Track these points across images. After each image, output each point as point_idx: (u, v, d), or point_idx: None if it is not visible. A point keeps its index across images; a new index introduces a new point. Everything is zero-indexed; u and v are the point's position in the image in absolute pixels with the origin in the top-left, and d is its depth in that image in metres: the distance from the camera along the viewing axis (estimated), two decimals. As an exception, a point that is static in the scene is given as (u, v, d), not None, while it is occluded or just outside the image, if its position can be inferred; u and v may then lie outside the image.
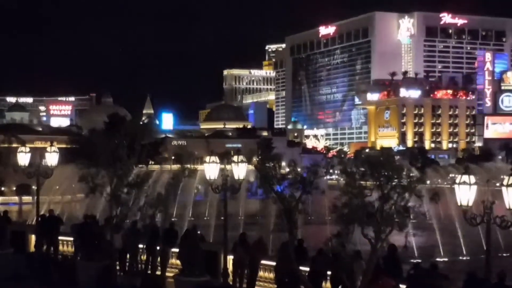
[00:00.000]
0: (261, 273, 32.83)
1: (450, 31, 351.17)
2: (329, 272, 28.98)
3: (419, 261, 31.60)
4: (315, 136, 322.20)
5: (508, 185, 23.67)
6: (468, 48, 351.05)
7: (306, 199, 27.24)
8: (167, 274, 35.10)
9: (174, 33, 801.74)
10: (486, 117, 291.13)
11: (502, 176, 25.14)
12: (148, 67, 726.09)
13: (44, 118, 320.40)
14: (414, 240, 65.91)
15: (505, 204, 23.91)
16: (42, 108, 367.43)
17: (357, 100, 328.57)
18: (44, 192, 61.82)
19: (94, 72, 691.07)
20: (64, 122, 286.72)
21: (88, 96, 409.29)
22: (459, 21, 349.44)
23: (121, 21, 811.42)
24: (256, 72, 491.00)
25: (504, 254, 61.51)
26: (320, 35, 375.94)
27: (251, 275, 32.72)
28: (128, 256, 36.69)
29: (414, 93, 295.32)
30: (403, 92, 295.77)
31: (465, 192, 24.18)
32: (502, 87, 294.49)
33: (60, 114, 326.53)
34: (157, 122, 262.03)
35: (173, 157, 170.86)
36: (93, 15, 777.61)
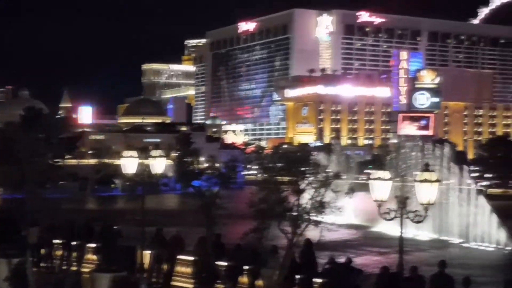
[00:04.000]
0: (178, 268, 32.79)
1: (367, 29, 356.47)
2: (246, 267, 29.14)
3: (335, 256, 32.01)
4: (234, 132, 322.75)
5: (421, 181, 24.30)
6: (385, 46, 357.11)
7: (224, 194, 27.31)
8: (83, 269, 34.71)
9: (93, 27, 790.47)
10: (400, 114, 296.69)
11: (414, 173, 25.80)
12: (66, 61, 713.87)
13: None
14: (330, 235, 66.74)
15: (418, 199, 24.56)
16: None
17: (275, 96, 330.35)
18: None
19: (10, 65, 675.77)
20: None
21: (4, 88, 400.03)
22: (376, 20, 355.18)
23: (40, 14, 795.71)
24: (175, 67, 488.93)
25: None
26: (240, 31, 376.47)
27: (169, 270, 32.65)
28: (42, 251, 36.15)
29: (331, 90, 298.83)
30: (321, 89, 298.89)
31: (380, 187, 24.69)
32: (417, 85, 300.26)
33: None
34: (75, 116, 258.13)
35: (91, 152, 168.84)
36: (10, 9, 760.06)
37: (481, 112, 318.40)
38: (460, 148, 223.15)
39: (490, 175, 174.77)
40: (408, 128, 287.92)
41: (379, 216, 25.32)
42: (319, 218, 24.99)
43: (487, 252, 70.91)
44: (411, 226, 26.56)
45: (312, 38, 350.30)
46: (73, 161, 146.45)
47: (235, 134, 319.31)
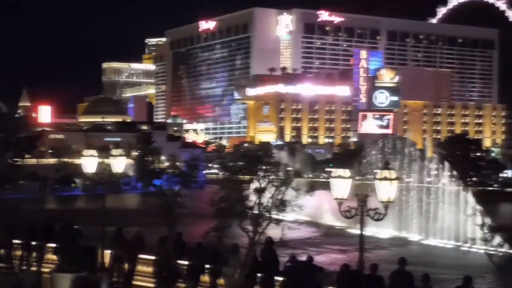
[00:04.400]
0: (139, 267, 32.69)
1: (327, 28, 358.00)
2: (207, 266, 29.15)
3: (296, 254, 32.16)
4: (195, 131, 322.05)
5: (380, 179, 24.48)
6: (345, 45, 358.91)
7: (186, 193, 27.30)
8: (43, 270, 34.42)
9: (53, 25, 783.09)
10: (361, 113, 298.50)
11: (375, 170, 26.01)
12: (26, 60, 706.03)
13: None
14: (291, 233, 66.99)
15: (378, 197, 24.74)
16: None
17: (236, 95, 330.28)
18: None
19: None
20: None
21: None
22: (336, 19, 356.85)
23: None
24: (135, 66, 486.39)
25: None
26: (200, 30, 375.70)
27: (130, 270, 32.53)
28: (2, 252, 35.77)
29: (292, 89, 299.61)
30: (282, 88, 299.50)
31: (340, 185, 24.83)
32: (376, 84, 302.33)
33: None
34: (34, 115, 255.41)
35: (50, 151, 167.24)
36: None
37: (439, 110, 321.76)
38: (419, 146, 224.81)
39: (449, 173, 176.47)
40: (368, 127, 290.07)
41: (340, 214, 25.48)
42: (280, 216, 25.11)
43: (447, 249, 71.68)
44: (372, 223, 26.75)
45: (272, 37, 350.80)
46: (33, 161, 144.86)
47: (196, 133, 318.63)
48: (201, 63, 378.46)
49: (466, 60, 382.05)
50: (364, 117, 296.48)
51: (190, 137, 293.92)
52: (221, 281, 28.55)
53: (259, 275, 27.60)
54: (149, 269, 32.14)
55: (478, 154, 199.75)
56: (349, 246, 62.40)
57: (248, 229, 24.94)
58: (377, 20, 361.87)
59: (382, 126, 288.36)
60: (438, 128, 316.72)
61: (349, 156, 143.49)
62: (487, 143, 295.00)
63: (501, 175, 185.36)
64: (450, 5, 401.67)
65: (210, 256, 28.44)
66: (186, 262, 29.62)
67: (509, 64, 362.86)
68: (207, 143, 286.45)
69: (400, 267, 24.88)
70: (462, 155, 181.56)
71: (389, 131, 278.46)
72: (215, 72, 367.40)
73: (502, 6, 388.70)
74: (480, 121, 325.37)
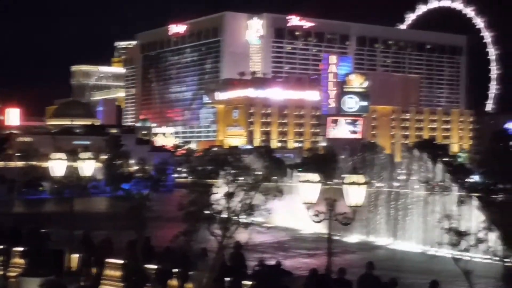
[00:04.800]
0: (107, 272, 32.57)
1: (298, 33, 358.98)
2: (176, 270, 29.13)
3: (264, 258, 32.23)
4: (164, 134, 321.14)
5: (349, 183, 24.69)
6: (314, 50, 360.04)
7: (154, 197, 27.28)
8: (10, 274, 34.15)
9: (21, 27, 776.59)
10: (329, 118, 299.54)
11: (343, 175, 26.16)
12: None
13: None
14: (260, 237, 67.09)
15: (346, 202, 24.94)
16: None
17: (206, 99, 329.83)
18: None
19: None
20: None
21: None
22: (306, 24, 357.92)
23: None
24: (105, 69, 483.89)
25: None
26: (170, 34, 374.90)
27: (97, 273, 32.40)
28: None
29: (262, 93, 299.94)
30: (251, 92, 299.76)
31: (309, 189, 24.98)
32: (345, 89, 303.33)
33: None
34: (2, 118, 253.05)
35: (18, 154, 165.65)
36: None
37: (408, 116, 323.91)
38: (387, 151, 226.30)
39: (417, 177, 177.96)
40: (337, 132, 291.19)
41: (309, 218, 25.60)
42: (249, 220, 25.19)
43: (414, 254, 72.16)
44: (339, 228, 26.94)
45: (242, 41, 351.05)
46: (0, 164, 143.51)
47: (165, 136, 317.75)
48: (171, 66, 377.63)
49: (434, 66, 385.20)
50: (335, 121, 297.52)
51: (159, 141, 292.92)
52: (189, 285, 28.54)
53: (227, 279, 27.65)
54: (117, 273, 32.03)
55: (446, 159, 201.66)
56: (317, 250, 62.61)
57: (216, 233, 24.98)
58: (347, 25, 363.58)
59: (352, 131, 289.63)
60: (407, 133, 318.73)
61: (318, 160, 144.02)
62: (454, 148, 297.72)
63: (467, 180, 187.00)
64: (419, 11, 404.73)
65: (178, 260, 28.43)
66: (155, 266, 29.58)
67: (476, 71, 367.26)
68: (176, 147, 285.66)
69: (368, 271, 25.07)
70: (430, 160, 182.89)
71: (358, 136, 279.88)
72: (185, 76, 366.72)
73: (470, 13, 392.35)
74: (448, 126, 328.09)
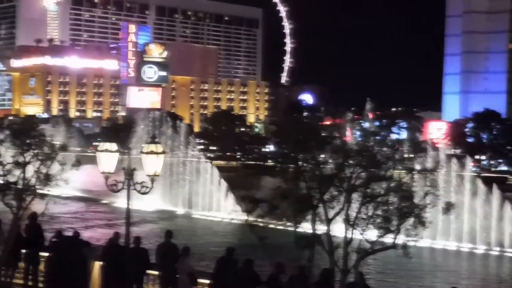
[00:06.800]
0: None
1: (96, 1, 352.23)
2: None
3: (63, 229, 31.81)
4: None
5: (147, 153, 24.85)
6: (113, 18, 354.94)
7: None
8: None
9: None
10: (129, 87, 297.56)
11: (142, 144, 26.29)
12: None
13: None
14: (59, 208, 65.98)
15: (144, 171, 25.12)
16: None
17: (1, 66, 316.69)
18: None
19: None
20: None
21: None
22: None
23: None
24: None
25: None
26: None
27: None
28: None
29: (59, 61, 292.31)
30: (49, 60, 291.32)
31: (107, 159, 24.91)
32: (145, 59, 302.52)
33: None
34: None
35: None
36: None
37: (206, 86, 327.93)
38: (186, 121, 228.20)
39: (215, 148, 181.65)
40: (137, 101, 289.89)
41: (107, 188, 25.54)
42: (45, 190, 24.76)
43: (212, 222, 73.85)
44: (139, 197, 27.09)
45: (39, 7, 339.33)
46: None
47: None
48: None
49: (232, 37, 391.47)
50: (132, 91, 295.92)
51: None
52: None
53: (23, 251, 27.09)
54: None
55: (243, 129, 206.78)
56: (116, 220, 62.62)
57: (11, 204, 24.39)
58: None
59: (150, 101, 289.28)
60: (205, 103, 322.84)
61: (117, 130, 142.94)
62: (251, 118, 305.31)
63: (263, 149, 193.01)
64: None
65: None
66: None
67: (272, 44, 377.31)
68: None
69: (166, 240, 25.52)
70: (227, 130, 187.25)
71: (157, 105, 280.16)
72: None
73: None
74: (245, 97, 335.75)
